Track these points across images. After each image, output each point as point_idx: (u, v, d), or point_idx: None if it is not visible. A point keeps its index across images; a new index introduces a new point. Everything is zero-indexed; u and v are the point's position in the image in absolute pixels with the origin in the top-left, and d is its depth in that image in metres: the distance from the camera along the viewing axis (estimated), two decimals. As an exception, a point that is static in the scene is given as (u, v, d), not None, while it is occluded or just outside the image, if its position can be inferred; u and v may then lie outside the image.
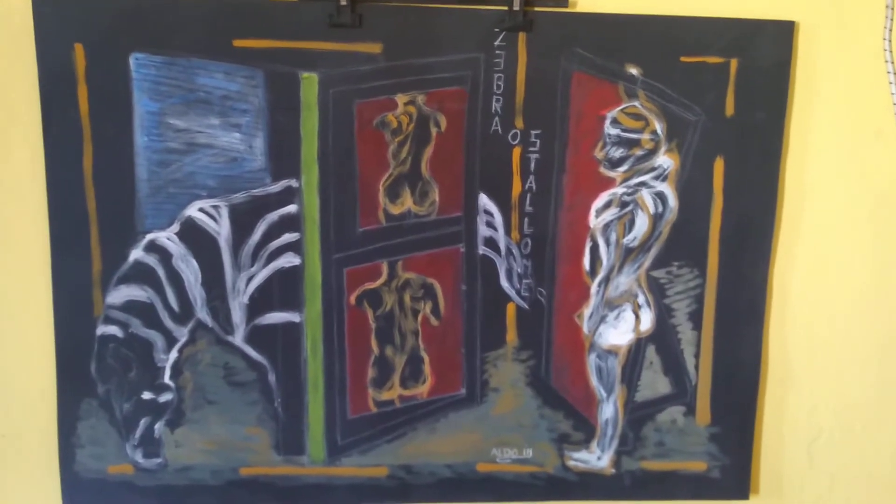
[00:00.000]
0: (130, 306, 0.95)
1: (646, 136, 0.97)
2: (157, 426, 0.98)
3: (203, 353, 0.97)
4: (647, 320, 1.01)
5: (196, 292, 0.95)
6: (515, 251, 0.98)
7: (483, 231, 0.98)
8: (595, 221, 0.98)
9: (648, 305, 1.00)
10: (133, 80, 0.91)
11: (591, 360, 1.01)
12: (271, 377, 0.98)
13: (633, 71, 0.95)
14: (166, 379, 0.97)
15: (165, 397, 0.97)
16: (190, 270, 0.95)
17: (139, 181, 0.93)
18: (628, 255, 0.99)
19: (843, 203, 1.01)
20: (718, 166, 0.98)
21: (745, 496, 1.05)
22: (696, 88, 0.96)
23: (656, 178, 0.98)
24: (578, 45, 0.94)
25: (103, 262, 0.94)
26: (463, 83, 0.94)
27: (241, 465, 1.00)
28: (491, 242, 0.98)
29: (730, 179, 0.98)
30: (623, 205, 0.98)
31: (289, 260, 0.96)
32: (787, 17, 0.96)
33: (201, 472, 0.99)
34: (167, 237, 0.94)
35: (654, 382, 1.02)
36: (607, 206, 0.98)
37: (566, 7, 0.93)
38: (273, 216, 0.95)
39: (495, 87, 0.94)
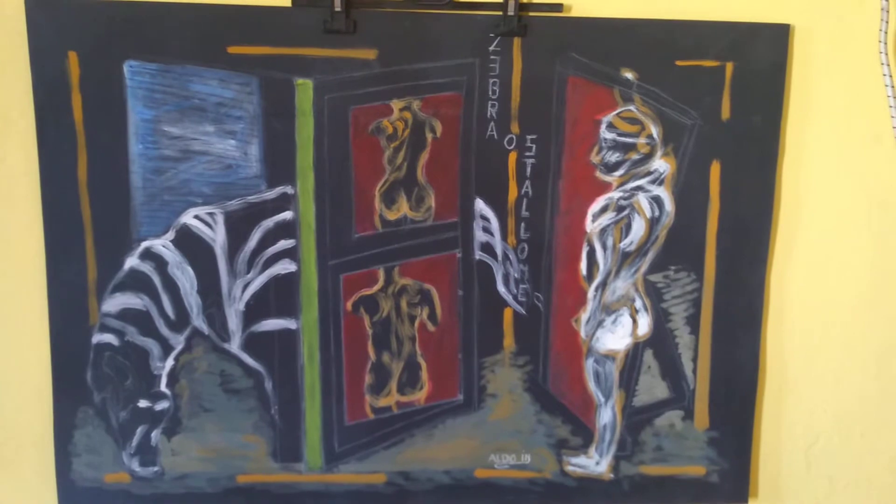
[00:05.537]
0: (126, 314, 0.95)
1: (642, 141, 0.96)
2: (153, 434, 0.98)
3: (199, 360, 0.97)
4: (645, 325, 1.01)
5: (192, 300, 0.95)
6: (512, 256, 0.98)
7: (479, 236, 0.97)
8: (592, 226, 0.98)
9: (646, 310, 1.00)
10: (127, 87, 0.90)
11: (589, 365, 1.01)
12: (268, 384, 0.97)
13: (629, 75, 0.95)
14: (163, 387, 0.97)
15: (162, 405, 0.97)
16: (186, 278, 0.95)
17: (134, 189, 0.92)
18: (625, 259, 0.99)
19: (840, 206, 1.01)
20: (715, 170, 0.97)
21: (744, 500, 1.05)
22: (692, 92, 0.95)
23: (653, 182, 0.97)
24: (573, 49, 0.94)
25: (98, 269, 0.94)
26: (458, 88, 0.94)
27: (238, 473, 0.99)
28: (487, 248, 0.98)
29: (726, 183, 0.98)
30: (619, 209, 0.98)
31: (285, 266, 0.95)
32: (783, 20, 0.96)
33: (198, 480, 0.99)
34: (162, 244, 0.94)
35: (652, 387, 1.02)
36: (604, 210, 0.98)
37: (561, 12, 0.93)
38: (269, 223, 0.94)
39: (490, 92, 0.94)
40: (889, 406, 1.06)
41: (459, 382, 1.00)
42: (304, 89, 0.92)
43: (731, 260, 0.99)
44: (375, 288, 0.97)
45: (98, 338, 0.95)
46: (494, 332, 0.99)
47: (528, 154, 0.96)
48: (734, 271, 1.00)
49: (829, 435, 1.07)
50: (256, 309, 0.96)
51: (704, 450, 1.03)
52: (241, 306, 0.96)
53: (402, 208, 0.96)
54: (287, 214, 0.94)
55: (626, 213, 0.98)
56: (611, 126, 0.96)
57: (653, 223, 0.98)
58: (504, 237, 0.98)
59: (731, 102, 0.96)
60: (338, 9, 0.90)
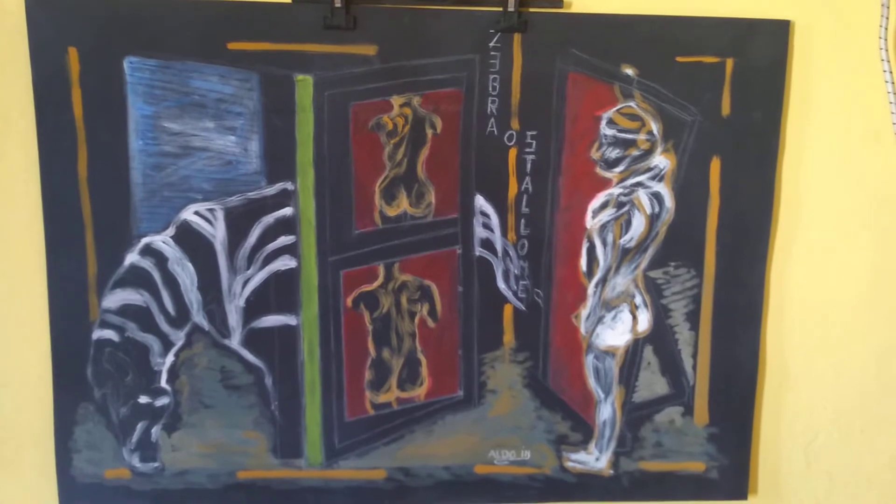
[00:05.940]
0: (126, 310, 0.95)
1: (642, 137, 0.96)
2: (153, 430, 0.98)
3: (199, 356, 0.97)
4: (645, 321, 1.01)
5: (192, 296, 0.95)
6: (512, 252, 0.98)
7: (479, 232, 0.97)
8: (592, 222, 0.98)
9: (646, 306, 1.00)
10: (127, 83, 0.90)
11: (589, 361, 1.01)
12: (268, 380, 0.97)
13: (629, 71, 0.95)
14: (163, 383, 0.97)
15: (162, 401, 0.97)
16: (186, 274, 0.95)
17: (134, 185, 0.92)
18: (625, 255, 0.99)
19: (840, 203, 1.01)
20: (715, 166, 0.97)
21: (744, 496, 1.05)
22: (692, 88, 0.95)
23: (653, 178, 0.97)
24: (574, 45, 0.94)
25: (99, 266, 0.94)
26: (458, 84, 0.94)
27: (238, 469, 1.00)
28: (487, 244, 0.98)
29: (726, 179, 0.98)
30: (619, 205, 0.98)
31: (285, 263, 0.95)
32: (783, 16, 0.95)
33: (198, 476, 0.99)
34: (163, 241, 0.94)
35: (652, 383, 1.02)
36: (604, 206, 0.98)
37: (561, 7, 0.93)
38: (269, 219, 0.94)
39: (491, 89, 0.94)
40: (889, 403, 1.06)
41: (459, 378, 1.00)
42: (304, 85, 0.92)
43: (731, 256, 0.99)
44: (375, 284, 0.97)
45: (98, 334, 0.95)
46: (494, 329, 0.99)
47: (528, 150, 0.96)
48: (734, 268, 1.00)
49: (829, 431, 1.07)
50: (256, 305, 0.96)
51: (704, 446, 1.04)
52: (242, 302, 0.96)
53: (402, 204, 0.96)
54: (287, 210, 0.94)
55: (626, 209, 0.98)
56: (611, 122, 0.96)
57: (653, 219, 0.98)
58: (504, 233, 0.98)
59: (732, 99, 0.96)
60: (338, 5, 0.90)
